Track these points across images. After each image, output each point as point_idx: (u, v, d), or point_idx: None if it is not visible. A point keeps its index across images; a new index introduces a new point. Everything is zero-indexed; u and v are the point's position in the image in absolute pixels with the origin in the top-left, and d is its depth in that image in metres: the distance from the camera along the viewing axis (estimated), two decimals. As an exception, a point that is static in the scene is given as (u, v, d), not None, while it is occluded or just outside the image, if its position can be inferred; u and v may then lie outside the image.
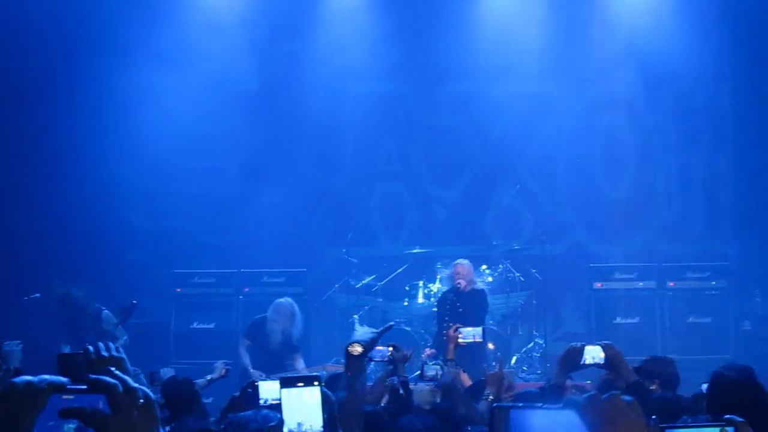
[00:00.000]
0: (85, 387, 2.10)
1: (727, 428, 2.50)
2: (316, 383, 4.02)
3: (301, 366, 11.90)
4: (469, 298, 12.37)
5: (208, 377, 8.88)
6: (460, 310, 12.21)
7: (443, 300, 12.72)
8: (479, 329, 7.95)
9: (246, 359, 12.20)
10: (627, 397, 2.19)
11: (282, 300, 12.37)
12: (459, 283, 12.38)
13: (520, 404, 2.37)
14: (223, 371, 9.06)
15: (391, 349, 7.41)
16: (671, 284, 14.03)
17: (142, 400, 2.12)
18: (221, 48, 15.15)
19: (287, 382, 4.04)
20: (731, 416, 2.60)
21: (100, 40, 14.97)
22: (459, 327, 7.94)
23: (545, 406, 2.35)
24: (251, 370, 11.82)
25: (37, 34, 14.72)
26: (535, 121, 15.94)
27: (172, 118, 15.41)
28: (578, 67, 15.55)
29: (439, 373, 7.35)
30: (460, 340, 7.80)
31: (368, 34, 15.63)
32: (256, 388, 5.34)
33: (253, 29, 15.50)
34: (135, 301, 11.66)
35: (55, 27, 14.76)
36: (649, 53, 15.21)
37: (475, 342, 8.13)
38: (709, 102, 15.57)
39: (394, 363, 7.30)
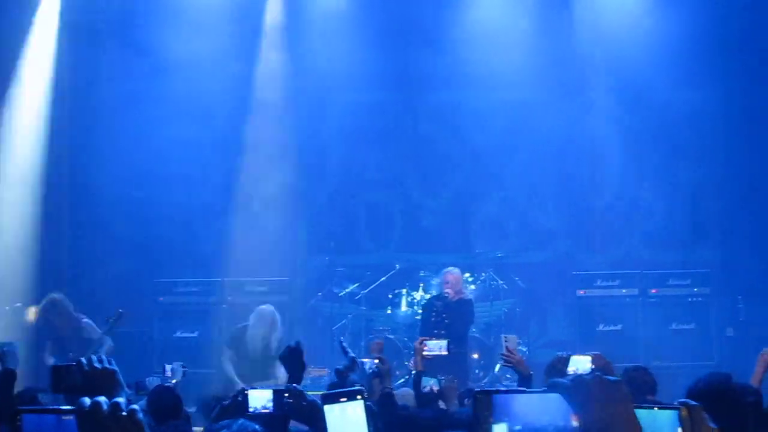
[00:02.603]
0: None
1: (678, 411, 2.51)
2: (359, 397, 3.90)
3: (281, 374, 11.84)
4: (456, 308, 12.38)
5: (173, 381, 8.90)
6: (447, 321, 12.22)
7: (429, 306, 12.72)
8: (444, 342, 8.05)
9: (230, 370, 12.19)
10: (612, 377, 2.19)
11: (263, 307, 12.42)
12: (447, 293, 12.39)
13: (503, 389, 2.36)
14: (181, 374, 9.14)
15: (377, 361, 7.46)
16: (654, 291, 14.05)
17: (124, 412, 2.15)
18: (205, 55, 15.09)
19: (330, 398, 3.91)
20: (686, 400, 2.61)
21: (78, 45, 14.94)
22: (425, 340, 8.00)
23: (529, 389, 2.35)
24: (237, 382, 11.84)
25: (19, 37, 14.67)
26: (520, 130, 15.95)
27: (156, 125, 15.38)
28: (562, 75, 15.55)
29: (435, 387, 7.42)
30: (425, 353, 7.85)
31: (353, 43, 15.61)
32: (245, 397, 5.33)
33: (238, 37, 15.44)
34: (121, 310, 11.64)
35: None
36: (633, 61, 15.23)
37: (440, 354, 8.18)
38: (693, 109, 15.59)
39: (381, 375, 7.36)
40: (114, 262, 15.38)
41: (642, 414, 2.55)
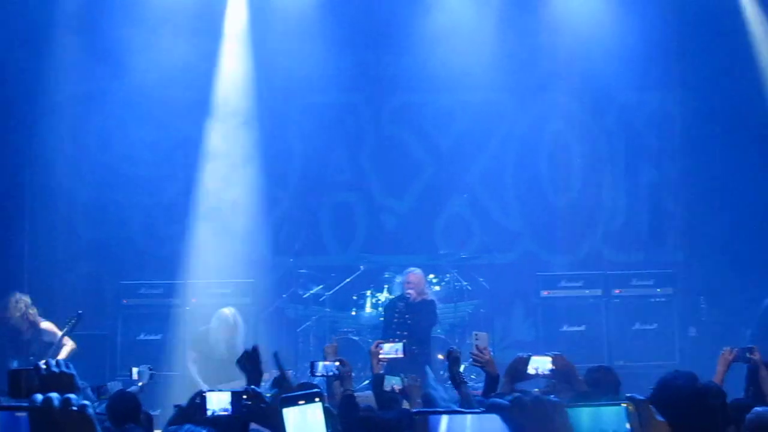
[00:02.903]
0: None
1: (627, 406, 2.53)
2: (317, 399, 3.88)
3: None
4: (419, 308, 12.39)
5: (140, 384, 8.87)
6: (409, 321, 12.23)
7: (391, 307, 12.73)
8: (400, 345, 7.93)
9: (194, 372, 12.18)
10: (553, 398, 2.21)
11: (224, 310, 12.43)
12: (410, 294, 12.39)
13: (441, 409, 2.37)
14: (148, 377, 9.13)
15: (338, 363, 7.44)
16: (617, 291, 14.13)
17: (75, 408, 2.17)
18: (166, 55, 15.00)
19: (288, 402, 3.86)
20: (632, 395, 2.63)
21: (38, 46, 14.84)
22: (380, 343, 7.92)
23: (466, 410, 2.36)
24: (201, 384, 11.83)
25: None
26: (484, 131, 15.98)
27: (119, 127, 15.33)
28: (526, 77, 15.60)
29: (398, 387, 7.37)
30: (381, 356, 7.77)
31: (318, 44, 15.57)
32: (204, 399, 5.30)
33: (201, 36, 15.35)
34: (80, 312, 11.61)
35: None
36: (596, 63, 15.29)
37: (397, 357, 8.08)
38: (655, 110, 15.71)
39: (341, 377, 7.35)
40: (77, 265, 15.30)
41: (587, 412, 2.57)
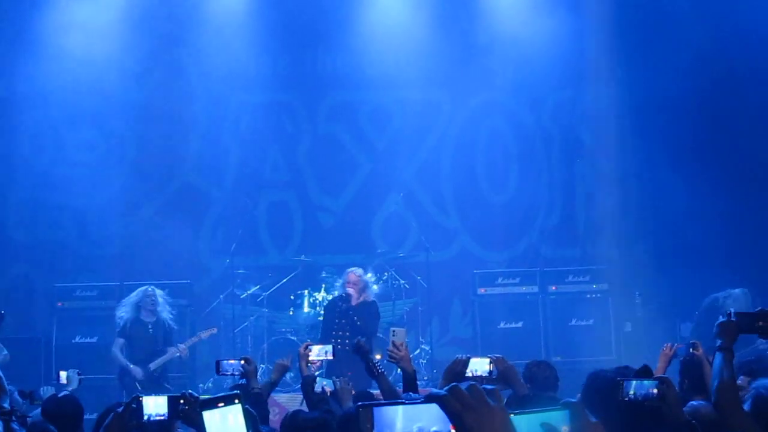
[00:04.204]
0: None
1: (563, 412, 2.55)
2: (237, 401, 3.94)
3: (172, 348, 12.33)
4: (361, 310, 12.33)
5: (69, 389, 8.66)
6: (351, 322, 12.20)
7: (331, 308, 12.63)
8: (329, 347, 7.81)
9: (122, 358, 12.17)
10: (488, 386, 2.21)
11: (143, 288, 12.45)
12: (350, 293, 12.35)
13: (383, 401, 2.39)
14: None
15: (243, 362, 7.42)
16: (553, 288, 14.24)
17: None
18: (103, 52, 14.89)
19: (207, 404, 3.95)
20: (567, 399, 2.65)
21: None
22: (309, 344, 7.86)
23: (408, 401, 2.37)
24: (131, 366, 12.11)
25: None
26: (420, 129, 16.04)
27: (50, 125, 15.19)
28: (461, 74, 15.68)
29: (328, 389, 7.34)
30: (311, 358, 7.73)
31: (253, 42, 15.55)
32: (140, 403, 5.24)
33: (137, 35, 15.21)
34: (2, 312, 11.45)
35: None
36: (532, 60, 15.40)
37: (327, 359, 8.02)
38: (589, 107, 15.84)
39: (247, 376, 7.34)
40: (9, 267, 15.12)
41: (527, 419, 2.58)
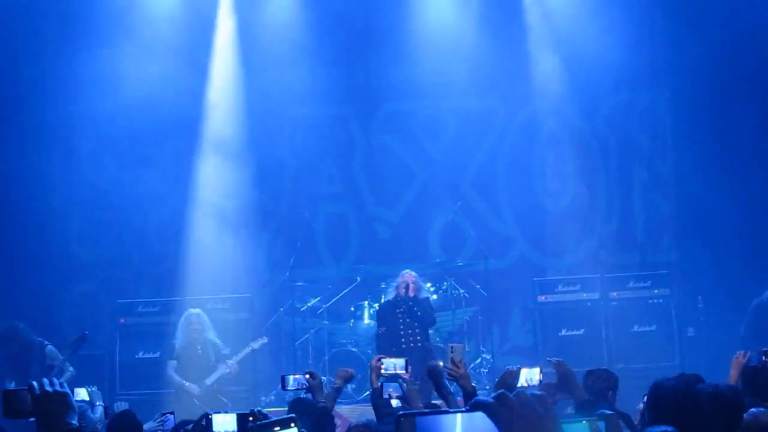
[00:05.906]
0: None
1: (598, 423, 2.53)
2: (293, 425, 3.89)
3: (222, 368, 12.57)
4: (423, 302, 12.46)
5: (98, 403, 8.69)
6: (419, 313, 12.28)
7: (390, 309, 12.59)
8: (402, 360, 7.73)
9: (177, 378, 12.37)
10: (535, 392, 2.20)
11: (188, 313, 12.63)
12: (407, 288, 12.41)
13: (426, 410, 2.37)
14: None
15: (307, 376, 7.42)
16: (614, 294, 14.08)
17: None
18: (158, 71, 15.01)
19: (263, 429, 3.92)
20: (603, 410, 2.63)
21: (30, 67, 14.95)
22: (382, 358, 7.80)
23: (451, 410, 2.36)
24: (187, 384, 12.42)
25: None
26: (475, 137, 15.99)
27: (111, 145, 15.38)
28: (516, 81, 15.60)
29: (396, 393, 7.29)
30: (382, 371, 7.67)
31: (307, 55, 15.57)
32: (209, 421, 5.28)
33: (192, 51, 15.33)
34: (86, 332, 11.67)
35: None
36: (586, 65, 15.28)
37: (397, 373, 7.92)
38: (647, 110, 15.72)
39: (312, 390, 7.34)
40: (75, 285, 15.32)
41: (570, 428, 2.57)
